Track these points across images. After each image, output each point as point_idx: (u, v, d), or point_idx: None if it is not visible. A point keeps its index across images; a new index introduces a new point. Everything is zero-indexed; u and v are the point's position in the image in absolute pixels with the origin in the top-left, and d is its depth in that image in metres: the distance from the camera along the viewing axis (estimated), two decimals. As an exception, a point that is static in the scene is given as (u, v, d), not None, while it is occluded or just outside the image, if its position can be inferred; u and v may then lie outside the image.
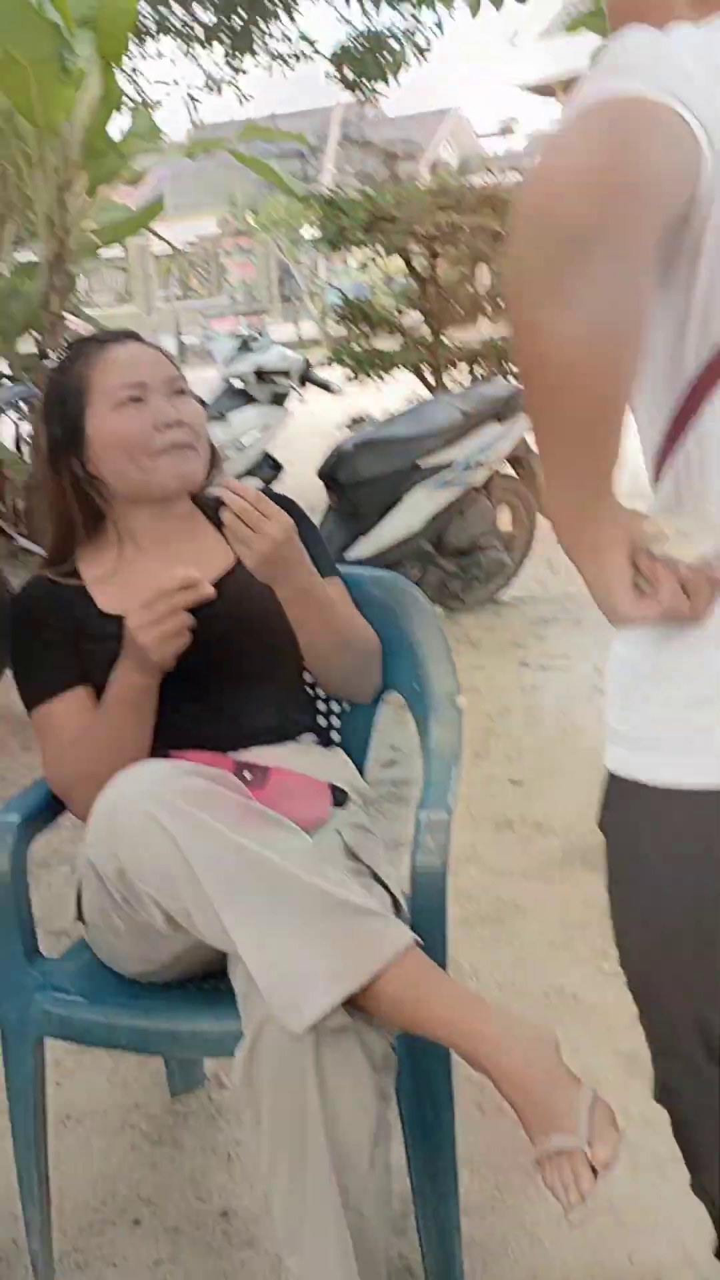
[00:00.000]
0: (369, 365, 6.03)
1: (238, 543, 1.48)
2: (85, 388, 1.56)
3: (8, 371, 5.90)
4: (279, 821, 1.31)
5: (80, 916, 1.51)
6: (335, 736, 1.85)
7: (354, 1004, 1.21)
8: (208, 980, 1.50)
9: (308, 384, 4.34)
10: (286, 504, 1.69)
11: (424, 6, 8.06)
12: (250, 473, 4.28)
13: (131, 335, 1.65)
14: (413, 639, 1.75)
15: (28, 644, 1.59)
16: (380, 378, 6.13)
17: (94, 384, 1.55)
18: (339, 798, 1.52)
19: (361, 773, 1.77)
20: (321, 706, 1.87)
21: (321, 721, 1.85)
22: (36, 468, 1.53)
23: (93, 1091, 2.00)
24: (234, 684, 1.61)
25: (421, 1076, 1.41)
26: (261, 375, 4.28)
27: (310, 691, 1.86)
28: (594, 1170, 1.11)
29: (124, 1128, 1.90)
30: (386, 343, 6.34)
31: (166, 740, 1.54)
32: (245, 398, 4.33)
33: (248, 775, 1.48)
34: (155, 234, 6.97)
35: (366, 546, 3.95)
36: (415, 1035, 1.26)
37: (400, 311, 6.42)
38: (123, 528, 1.62)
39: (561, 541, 0.87)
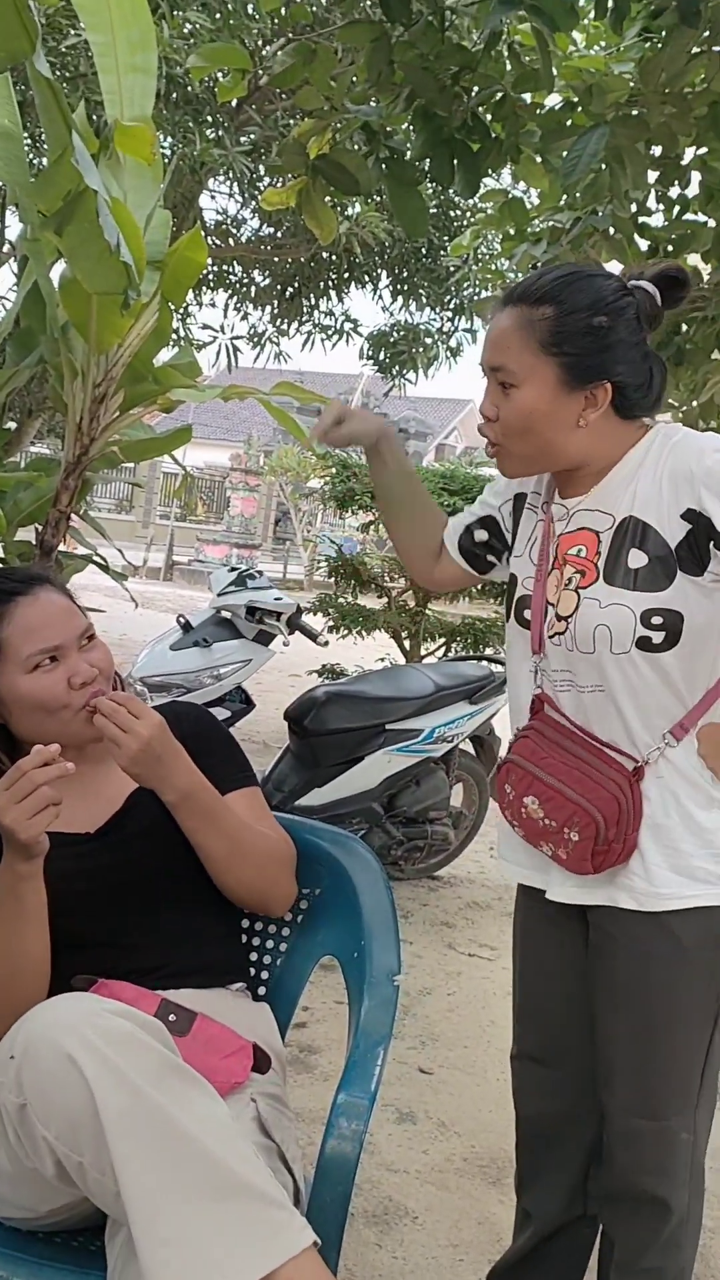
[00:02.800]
0: (352, 620, 6.19)
1: (110, 742, 1.49)
2: None
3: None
4: (198, 1082, 1.24)
5: (-42, 1139, 1.40)
6: (262, 991, 1.79)
7: (235, 1299, 1.11)
8: (79, 1235, 1.39)
9: (295, 630, 4.44)
10: (196, 713, 1.73)
11: (461, 316, 8.77)
12: (219, 703, 4.30)
13: (38, 580, 1.61)
14: (361, 905, 1.72)
15: None
16: (360, 634, 6.28)
17: (6, 645, 1.55)
18: (260, 1062, 1.45)
19: (282, 1033, 1.70)
20: (254, 956, 1.82)
21: (252, 971, 1.80)
22: None
23: None
24: (158, 912, 1.58)
25: None
26: (252, 611, 4.38)
27: (245, 938, 1.82)
28: None
29: None
30: (372, 602, 6.54)
31: (93, 967, 1.49)
32: (231, 629, 4.41)
33: (172, 1018, 1.41)
34: (173, 457, 7.27)
35: (318, 797, 3.93)
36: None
37: (391, 577, 6.66)
38: None
39: None
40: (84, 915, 1.53)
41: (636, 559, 1.50)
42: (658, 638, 1.49)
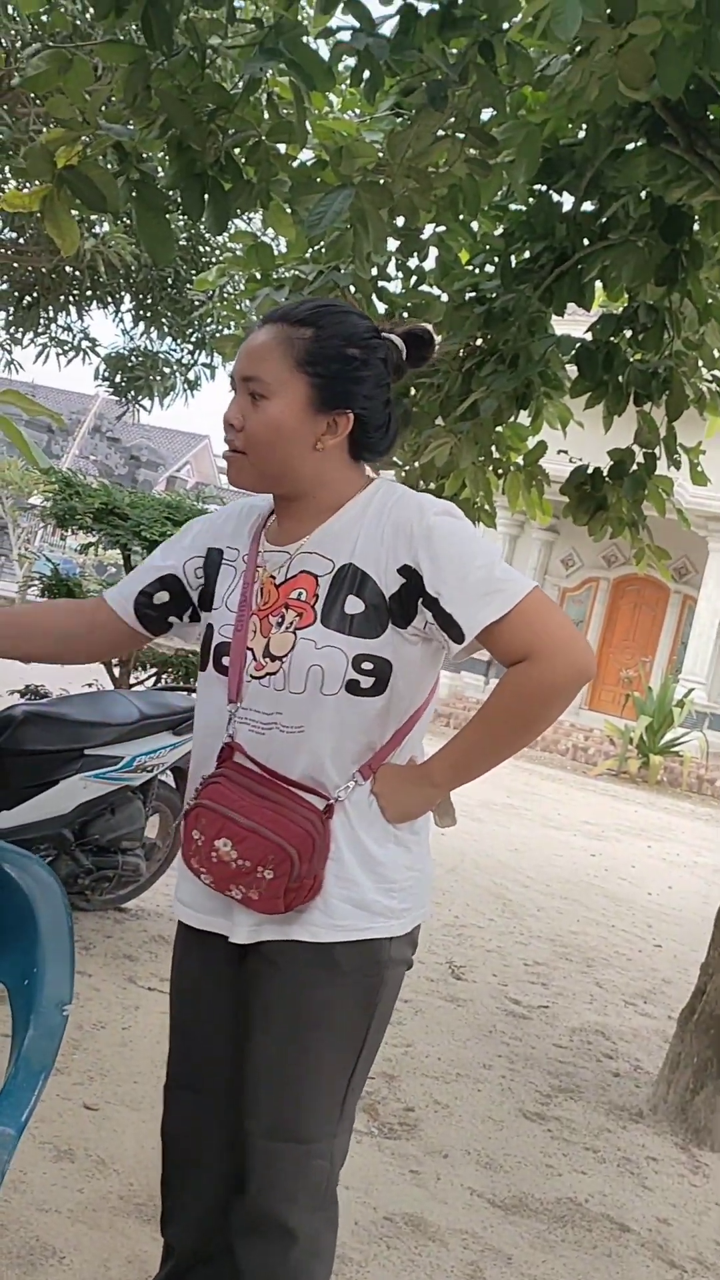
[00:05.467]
0: (60, 642, 6.02)
1: None
2: None
3: None
4: None
5: None
6: None
7: None
8: None
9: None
10: None
11: (202, 351, 8.81)
12: None
13: None
14: (39, 932, 1.66)
15: None
16: (68, 657, 6.11)
17: None
18: None
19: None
20: None
21: None
22: None
23: None
24: None
25: None
26: (-49, 622, 4.17)
27: None
28: None
29: None
30: (84, 626, 6.39)
31: None
32: None
33: None
34: None
35: (7, 819, 3.76)
36: None
37: (105, 601, 6.53)
38: None
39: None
40: None
41: (354, 605, 1.57)
42: (366, 682, 1.56)
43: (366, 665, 1.56)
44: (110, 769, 3.99)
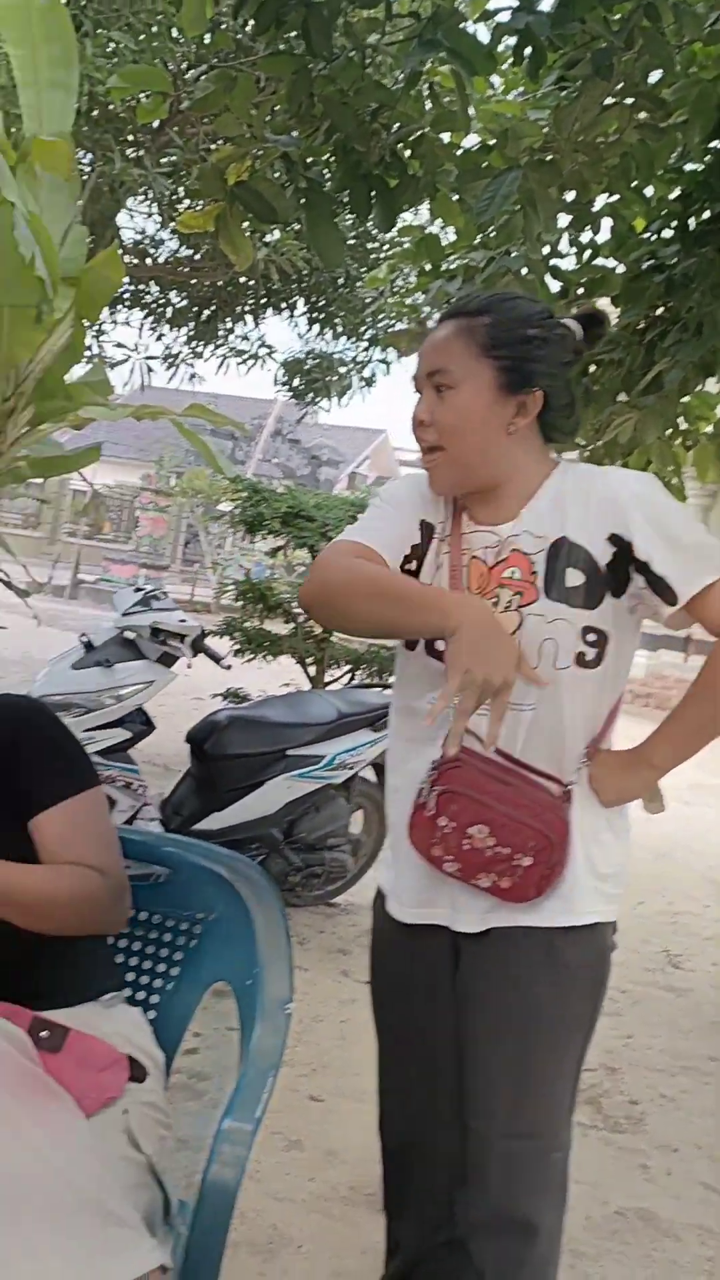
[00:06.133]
0: (257, 644, 6.17)
1: None
2: None
3: None
4: (55, 1094, 1.22)
5: None
6: (153, 1015, 1.77)
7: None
8: None
9: (199, 653, 4.40)
10: (15, 717, 1.61)
11: (376, 347, 8.85)
12: (120, 724, 4.24)
13: None
14: (256, 934, 1.71)
15: None
16: (266, 659, 6.26)
17: None
18: (136, 1072, 1.43)
19: (169, 1055, 1.67)
20: (144, 980, 1.80)
21: (142, 995, 1.77)
22: None
23: None
24: (15, 935, 1.52)
25: None
26: (156, 633, 4.33)
27: (136, 961, 1.79)
28: None
29: None
30: (278, 627, 6.53)
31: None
32: (134, 650, 4.34)
33: (44, 1034, 1.39)
34: (81, 475, 7.20)
35: (218, 821, 3.90)
36: None
37: (298, 602, 6.65)
38: None
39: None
40: None
41: (574, 577, 1.57)
42: (591, 654, 1.56)
43: (590, 637, 1.56)
44: (312, 768, 4.07)
